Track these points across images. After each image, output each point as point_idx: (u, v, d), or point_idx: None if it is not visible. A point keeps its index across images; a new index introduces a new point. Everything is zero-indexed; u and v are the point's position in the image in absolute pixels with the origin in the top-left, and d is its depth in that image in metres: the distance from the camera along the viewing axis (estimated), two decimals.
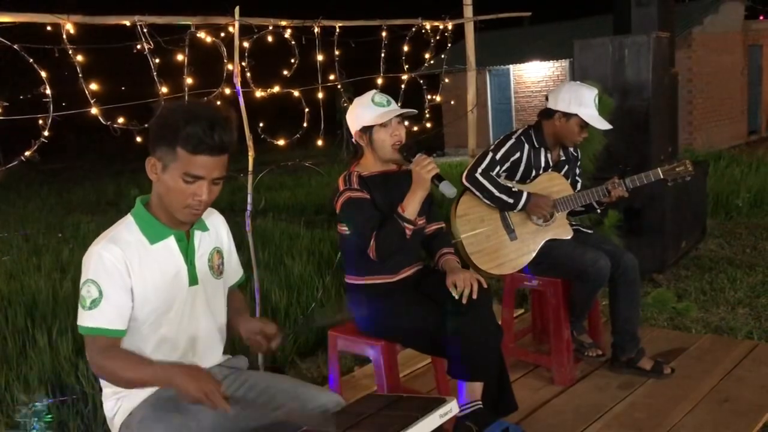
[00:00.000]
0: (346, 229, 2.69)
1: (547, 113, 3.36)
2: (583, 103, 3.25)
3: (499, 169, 3.32)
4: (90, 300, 1.84)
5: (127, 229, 1.93)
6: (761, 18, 16.63)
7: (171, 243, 1.96)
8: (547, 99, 3.41)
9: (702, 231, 5.98)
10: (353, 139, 2.77)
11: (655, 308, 4.42)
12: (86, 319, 1.84)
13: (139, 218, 1.95)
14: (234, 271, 2.21)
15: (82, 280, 1.86)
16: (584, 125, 3.28)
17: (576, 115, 3.25)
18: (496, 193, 3.25)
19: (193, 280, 1.99)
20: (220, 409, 1.75)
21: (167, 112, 1.86)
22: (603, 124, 3.30)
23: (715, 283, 5.03)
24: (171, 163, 1.83)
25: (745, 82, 16.13)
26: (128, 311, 1.88)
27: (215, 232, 2.11)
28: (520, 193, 3.27)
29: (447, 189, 2.47)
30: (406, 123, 2.78)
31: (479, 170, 3.28)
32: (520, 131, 3.43)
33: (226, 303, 2.16)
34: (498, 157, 3.32)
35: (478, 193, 3.29)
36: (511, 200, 3.26)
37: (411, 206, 2.56)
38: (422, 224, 2.79)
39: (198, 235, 2.03)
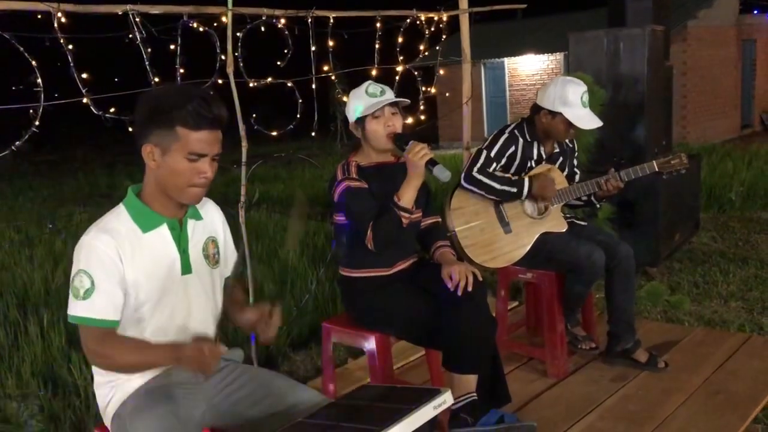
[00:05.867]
0: (343, 218, 2.68)
1: (536, 109, 3.34)
2: (567, 102, 3.20)
3: (496, 166, 3.30)
4: (83, 290, 1.83)
5: (118, 219, 1.91)
6: (755, 12, 16.65)
7: (164, 231, 1.95)
8: (537, 93, 3.39)
9: (695, 224, 6.00)
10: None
11: (649, 301, 4.44)
12: (79, 309, 1.83)
13: (131, 207, 1.94)
14: (231, 261, 2.21)
15: (74, 270, 1.85)
16: (571, 123, 3.24)
17: (561, 113, 3.23)
18: (498, 187, 3.23)
19: (186, 268, 1.98)
20: (223, 352, 1.80)
21: (157, 96, 1.87)
22: (589, 124, 3.24)
23: (707, 276, 5.04)
24: (172, 144, 1.82)
25: (738, 76, 16.16)
26: (121, 301, 1.87)
27: (210, 221, 2.10)
28: (521, 180, 3.24)
29: (441, 173, 2.45)
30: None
31: (476, 169, 3.25)
32: (513, 125, 3.41)
33: (226, 296, 2.16)
34: (493, 154, 3.30)
35: (480, 192, 3.25)
36: (514, 189, 3.23)
37: (407, 194, 2.55)
38: (418, 217, 2.78)
39: (191, 224, 2.02)
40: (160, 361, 1.87)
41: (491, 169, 3.27)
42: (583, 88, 3.26)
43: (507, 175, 3.27)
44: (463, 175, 3.29)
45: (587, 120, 3.24)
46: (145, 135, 1.85)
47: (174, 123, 1.80)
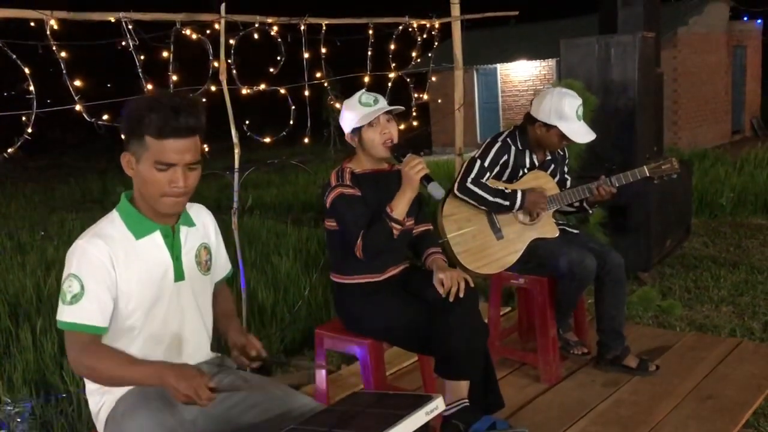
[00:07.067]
0: (334, 224, 2.69)
1: (530, 119, 3.36)
2: (563, 116, 3.22)
3: (489, 175, 3.32)
4: (71, 295, 1.82)
5: (112, 225, 1.92)
6: (745, 19, 16.78)
7: (157, 238, 1.95)
8: (531, 102, 3.41)
9: (687, 230, 6.03)
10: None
11: (640, 306, 4.45)
12: (66, 313, 1.83)
13: (125, 213, 1.94)
14: (222, 265, 2.21)
15: (65, 274, 1.85)
16: (565, 136, 3.25)
17: (556, 126, 3.24)
18: (490, 199, 3.24)
19: (179, 275, 1.98)
20: (208, 405, 1.76)
21: (133, 105, 1.87)
22: (584, 138, 3.26)
23: (699, 281, 5.07)
24: (143, 154, 1.83)
25: (729, 82, 16.27)
26: (110, 308, 1.86)
27: (202, 228, 2.10)
28: (514, 193, 3.25)
29: (435, 190, 2.47)
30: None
31: (470, 179, 3.26)
32: (505, 133, 3.42)
33: (214, 304, 2.16)
34: (486, 163, 3.32)
35: (472, 202, 3.27)
36: (506, 202, 3.24)
37: (399, 206, 2.56)
38: (410, 225, 2.79)
39: (184, 231, 2.02)
40: (144, 381, 1.83)
41: (485, 179, 3.29)
42: (579, 101, 3.27)
43: (500, 188, 3.28)
44: (456, 184, 3.30)
45: (582, 134, 3.26)
46: (125, 144, 1.87)
47: (143, 132, 1.81)
